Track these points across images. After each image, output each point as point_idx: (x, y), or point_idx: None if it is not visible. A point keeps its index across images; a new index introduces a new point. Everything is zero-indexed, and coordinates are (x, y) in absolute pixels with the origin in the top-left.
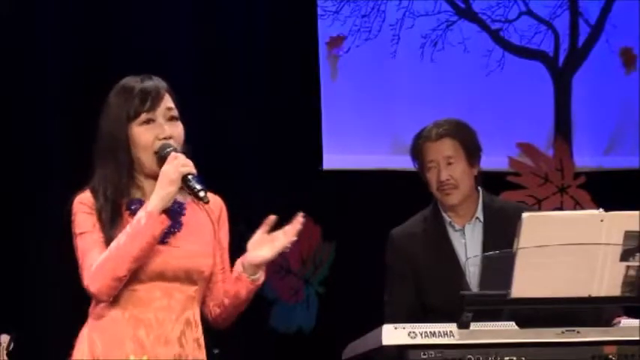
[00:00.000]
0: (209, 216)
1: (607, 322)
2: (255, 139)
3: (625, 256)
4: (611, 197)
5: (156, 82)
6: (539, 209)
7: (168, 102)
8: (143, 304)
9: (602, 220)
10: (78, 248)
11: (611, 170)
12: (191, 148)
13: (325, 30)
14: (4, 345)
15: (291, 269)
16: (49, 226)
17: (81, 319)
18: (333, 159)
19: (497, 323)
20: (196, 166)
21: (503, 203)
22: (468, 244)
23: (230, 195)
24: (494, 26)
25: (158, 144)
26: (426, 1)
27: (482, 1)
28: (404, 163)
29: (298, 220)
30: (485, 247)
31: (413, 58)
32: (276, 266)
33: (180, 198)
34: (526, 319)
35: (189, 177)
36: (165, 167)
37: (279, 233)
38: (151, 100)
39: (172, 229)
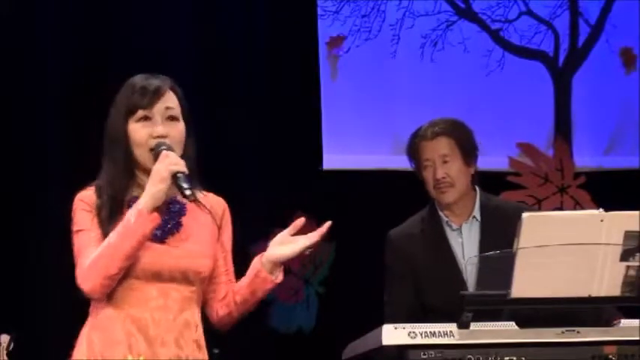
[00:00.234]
0: (212, 218)
1: (607, 322)
2: (255, 139)
3: (625, 256)
4: (611, 197)
5: (159, 81)
6: (539, 209)
7: (168, 101)
8: (139, 304)
9: (602, 220)
10: (74, 246)
11: (611, 170)
12: (196, 148)
13: (325, 30)
14: (4, 345)
15: (291, 269)
16: (49, 226)
17: (81, 319)
18: (333, 159)
19: (497, 323)
20: (197, 165)
21: (500, 202)
22: (465, 243)
23: (230, 195)
24: (494, 26)
25: (153, 142)
26: (426, 1)
27: (483, 1)
28: (404, 163)
29: (325, 226)
30: (483, 246)
31: (413, 58)
32: None
33: (181, 198)
34: (526, 319)
35: (179, 175)
36: (156, 165)
37: (301, 236)
38: (148, 97)
39: (171, 229)
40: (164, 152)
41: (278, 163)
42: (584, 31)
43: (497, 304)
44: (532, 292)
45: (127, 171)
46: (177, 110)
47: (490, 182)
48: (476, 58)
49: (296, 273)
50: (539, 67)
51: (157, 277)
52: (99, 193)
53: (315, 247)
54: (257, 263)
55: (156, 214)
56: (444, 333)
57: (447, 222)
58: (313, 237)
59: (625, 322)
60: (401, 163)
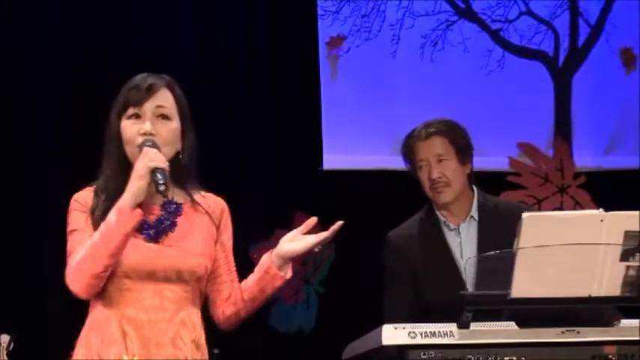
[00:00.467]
0: (209, 218)
1: (607, 322)
2: (255, 139)
3: (625, 256)
4: (611, 197)
5: (155, 79)
6: (539, 209)
7: (160, 99)
8: (135, 304)
9: (602, 220)
10: (67, 246)
11: (611, 170)
12: (195, 147)
13: (325, 30)
14: (4, 345)
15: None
16: (49, 226)
17: (81, 319)
18: (333, 159)
19: (497, 323)
20: (195, 165)
21: (498, 202)
22: (463, 243)
23: (230, 195)
24: (494, 26)
25: (140, 139)
26: (426, 1)
27: (483, 1)
28: (404, 163)
29: (337, 225)
30: (481, 245)
31: (413, 58)
32: None
33: (178, 199)
34: (526, 319)
35: (157, 172)
36: (137, 162)
37: (312, 235)
38: (140, 94)
39: (166, 229)
40: (144, 149)
41: (278, 163)
42: (584, 31)
43: (497, 304)
44: (532, 292)
45: (122, 169)
46: (170, 109)
47: (490, 182)
48: (476, 58)
49: (296, 273)
50: (539, 67)
51: (152, 277)
52: (96, 192)
53: (323, 245)
54: (266, 260)
55: (138, 211)
56: (444, 333)
57: (444, 222)
58: (324, 235)
59: (625, 322)
60: (401, 163)
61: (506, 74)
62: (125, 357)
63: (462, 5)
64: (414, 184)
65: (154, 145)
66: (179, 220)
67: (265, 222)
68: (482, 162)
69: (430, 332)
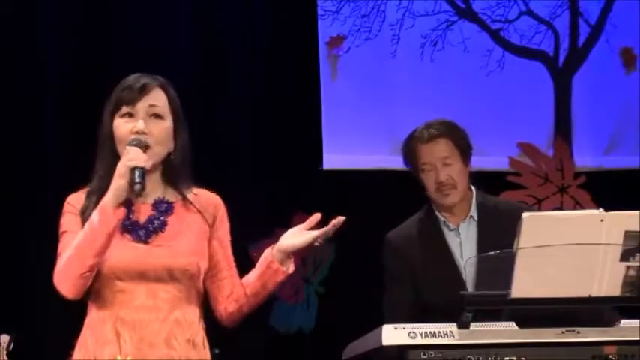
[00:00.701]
0: (201, 215)
1: (607, 322)
2: (255, 139)
3: (625, 256)
4: (611, 197)
5: (148, 79)
6: (539, 209)
7: (153, 98)
8: (128, 305)
9: (602, 220)
10: (58, 248)
11: (611, 170)
12: (188, 147)
13: (325, 30)
14: (4, 345)
15: None
16: (49, 226)
17: (81, 319)
18: (333, 159)
19: (497, 323)
20: (189, 164)
21: (497, 201)
22: (463, 243)
23: (230, 195)
24: (494, 26)
25: (131, 138)
26: (426, 1)
27: (483, 1)
28: (404, 164)
29: (339, 220)
30: (481, 245)
31: (413, 58)
32: None
33: (169, 198)
34: (526, 319)
35: (135, 171)
36: (120, 162)
37: (313, 231)
38: (133, 94)
39: (156, 229)
40: (127, 148)
41: (278, 163)
42: (584, 31)
43: (497, 304)
44: (532, 292)
45: (115, 168)
46: (162, 108)
47: (490, 182)
48: (476, 58)
49: (296, 272)
50: (539, 67)
51: (143, 277)
52: (88, 194)
53: (323, 239)
54: (268, 255)
55: (120, 210)
56: (444, 333)
57: (444, 222)
58: (324, 230)
59: (625, 322)
60: (400, 163)
61: (506, 74)
62: (118, 357)
63: (462, 5)
64: (413, 184)
65: (140, 145)
66: (170, 219)
67: (265, 222)
68: (482, 162)
69: (430, 332)
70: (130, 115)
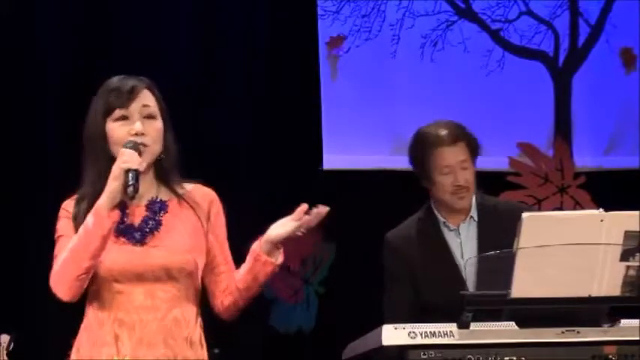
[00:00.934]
0: (195, 212)
1: (606, 321)
2: (255, 139)
3: (625, 256)
4: (611, 197)
5: (135, 81)
6: (539, 209)
7: (144, 99)
8: (126, 306)
9: (602, 220)
10: (54, 252)
11: (611, 170)
12: (179, 147)
13: (325, 30)
14: (4, 345)
15: (291, 269)
16: (49, 226)
17: (80, 319)
18: (333, 159)
19: (497, 323)
20: (178, 161)
21: (496, 202)
22: (463, 243)
23: (230, 195)
24: (494, 26)
25: (128, 140)
26: (426, 1)
27: (483, 1)
28: (404, 163)
29: (322, 209)
30: (481, 245)
31: (413, 58)
32: None
33: (163, 196)
34: (526, 319)
35: (129, 173)
36: (114, 164)
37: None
38: (125, 96)
39: (152, 230)
40: (121, 150)
41: (278, 163)
42: (584, 31)
43: (497, 304)
44: (532, 292)
45: (109, 171)
46: (154, 109)
47: (490, 182)
48: (476, 58)
49: (296, 273)
50: (539, 67)
51: (141, 278)
52: (77, 200)
53: (307, 227)
54: (256, 247)
55: (115, 212)
56: (444, 333)
57: (444, 222)
58: (306, 218)
59: (625, 322)
60: (401, 163)
61: (506, 74)
62: (115, 357)
63: (462, 5)
64: (413, 184)
65: (134, 147)
66: (164, 218)
67: (265, 222)
68: (482, 162)
69: (430, 332)
70: (125, 117)
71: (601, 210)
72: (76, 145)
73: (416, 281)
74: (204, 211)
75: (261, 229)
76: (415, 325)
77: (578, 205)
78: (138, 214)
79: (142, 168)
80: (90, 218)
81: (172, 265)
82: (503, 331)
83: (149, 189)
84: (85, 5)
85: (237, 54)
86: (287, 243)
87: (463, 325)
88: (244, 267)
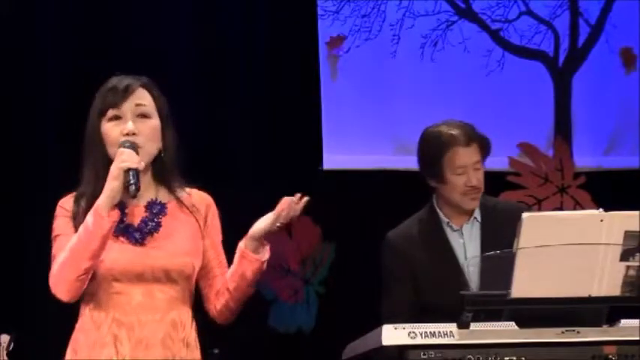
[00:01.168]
0: (193, 215)
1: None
2: (255, 139)
3: (625, 256)
4: (611, 197)
5: (131, 79)
6: (539, 209)
7: (138, 98)
8: (125, 307)
9: (602, 220)
10: (52, 252)
11: (611, 170)
12: (179, 146)
13: (325, 30)
14: (4, 345)
15: (291, 269)
16: (49, 226)
17: None
18: (334, 159)
19: (497, 323)
20: (196, 165)
21: (499, 202)
22: (466, 243)
23: (230, 195)
24: (494, 26)
25: (122, 139)
26: (426, 1)
27: (483, 1)
28: (404, 163)
29: (300, 199)
30: (484, 246)
31: (413, 58)
32: (276, 266)
33: (162, 198)
34: (526, 319)
35: (130, 172)
36: (113, 164)
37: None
38: (118, 96)
39: (151, 231)
40: (120, 150)
41: (278, 163)
42: (584, 31)
43: (497, 304)
44: (532, 292)
45: (106, 171)
46: (148, 107)
47: (490, 182)
48: (476, 58)
49: (296, 273)
50: (539, 67)
51: (141, 278)
52: (77, 198)
53: (287, 218)
54: (241, 245)
55: (114, 212)
56: (444, 333)
57: (447, 223)
58: (277, 210)
59: (625, 322)
60: (401, 163)
61: (506, 74)
62: (114, 358)
63: (462, 5)
64: (414, 184)
65: (131, 146)
66: (164, 220)
67: None
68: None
69: (430, 332)
70: (118, 117)
71: (601, 210)
72: (76, 145)
73: (417, 281)
74: (201, 215)
75: None
76: (415, 325)
77: (578, 205)
78: (137, 214)
79: (141, 167)
80: (89, 218)
81: (172, 267)
82: (503, 331)
83: (148, 189)
84: (85, 5)
85: (237, 54)
86: (287, 243)
87: (463, 325)
88: (232, 267)
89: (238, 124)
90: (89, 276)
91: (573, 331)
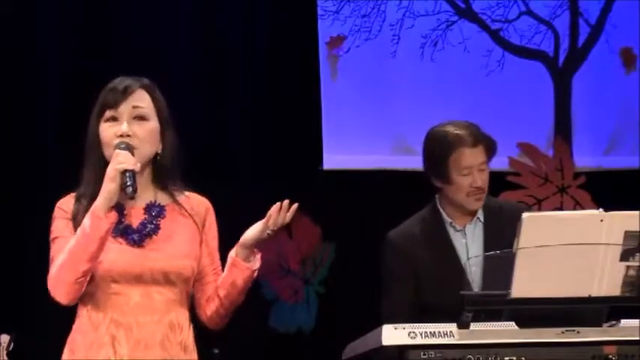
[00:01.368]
0: (192, 218)
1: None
2: (255, 139)
3: (625, 256)
4: (611, 197)
5: (131, 80)
6: (539, 209)
7: (136, 100)
8: (123, 308)
9: (602, 220)
10: (50, 253)
11: (611, 170)
12: (179, 149)
13: (325, 30)
14: (4, 345)
15: (291, 269)
16: (49, 226)
17: None
18: (333, 159)
19: (497, 323)
20: (196, 165)
21: (501, 203)
22: (469, 244)
23: (230, 195)
24: (494, 26)
25: (117, 141)
26: (426, 1)
27: (483, 1)
28: (404, 163)
29: (293, 208)
30: (487, 246)
31: (413, 58)
32: (276, 266)
33: (161, 200)
34: (526, 319)
35: (126, 173)
36: (109, 166)
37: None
38: (116, 96)
39: (149, 233)
40: (116, 151)
41: (278, 163)
42: (584, 31)
43: (497, 304)
44: (532, 292)
45: (103, 172)
46: (146, 109)
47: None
48: (476, 58)
49: (296, 273)
50: (539, 67)
51: (139, 280)
52: (77, 198)
53: (276, 226)
54: (232, 253)
55: (112, 214)
56: (444, 333)
57: (450, 223)
58: (265, 220)
59: (625, 322)
60: (401, 163)
61: (506, 74)
62: (112, 358)
63: (462, 5)
64: (414, 184)
65: (127, 147)
66: (163, 222)
67: None
68: None
69: (430, 332)
70: (114, 118)
71: (601, 210)
72: (76, 145)
73: (418, 281)
74: (200, 218)
75: None
76: (415, 325)
77: (578, 205)
78: (136, 215)
79: (137, 168)
80: (87, 220)
81: (171, 269)
82: (503, 331)
83: (146, 191)
84: (85, 5)
85: (237, 54)
86: (287, 243)
87: (463, 325)
88: (223, 274)
89: (238, 124)
90: (87, 278)
91: (573, 331)
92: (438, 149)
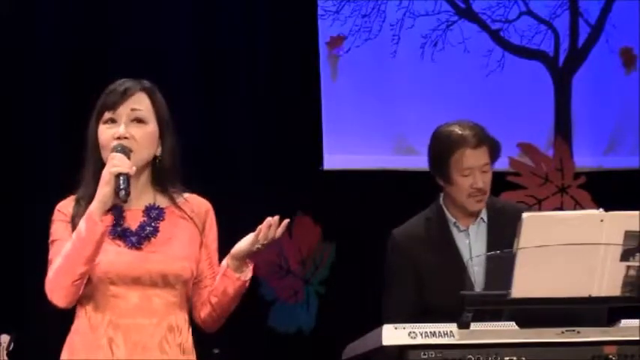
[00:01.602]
0: (192, 220)
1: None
2: (255, 139)
3: (625, 256)
4: (611, 197)
5: (131, 83)
6: (539, 209)
7: (135, 102)
8: (121, 310)
9: (602, 220)
10: (48, 256)
11: (611, 170)
12: (180, 152)
13: (325, 30)
14: (4, 345)
15: (291, 269)
16: (49, 227)
17: None
18: (334, 159)
19: (497, 323)
20: (197, 165)
21: (504, 203)
22: (472, 244)
23: (230, 195)
24: (494, 26)
25: (114, 143)
26: (426, 1)
27: (482, 1)
28: (404, 163)
29: (283, 224)
30: (490, 247)
31: (413, 58)
32: (276, 266)
33: (160, 203)
34: (526, 319)
35: (120, 177)
36: (104, 169)
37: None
38: (115, 98)
39: (148, 235)
40: (111, 154)
41: (278, 163)
42: (584, 31)
43: (497, 304)
44: (532, 292)
45: (99, 174)
46: (145, 112)
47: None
48: (476, 58)
49: (296, 273)
50: (539, 67)
51: (138, 282)
52: (77, 200)
53: (267, 241)
54: (224, 264)
55: (108, 217)
56: (444, 333)
57: (454, 223)
58: (255, 233)
59: (625, 322)
60: (401, 163)
61: (506, 74)
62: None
63: (462, 5)
64: (414, 184)
65: (123, 150)
66: (162, 224)
67: None
68: None
69: (430, 332)
70: (113, 120)
71: (601, 210)
72: (76, 145)
73: (421, 281)
74: (200, 221)
75: None
76: (415, 325)
77: (578, 205)
78: (135, 218)
79: (132, 172)
80: (82, 224)
81: (170, 271)
82: (503, 331)
83: (145, 193)
84: (85, 5)
85: (237, 54)
86: (287, 243)
87: (463, 325)
88: (216, 281)
89: (238, 124)
90: (84, 281)
91: (573, 331)
92: (441, 148)
